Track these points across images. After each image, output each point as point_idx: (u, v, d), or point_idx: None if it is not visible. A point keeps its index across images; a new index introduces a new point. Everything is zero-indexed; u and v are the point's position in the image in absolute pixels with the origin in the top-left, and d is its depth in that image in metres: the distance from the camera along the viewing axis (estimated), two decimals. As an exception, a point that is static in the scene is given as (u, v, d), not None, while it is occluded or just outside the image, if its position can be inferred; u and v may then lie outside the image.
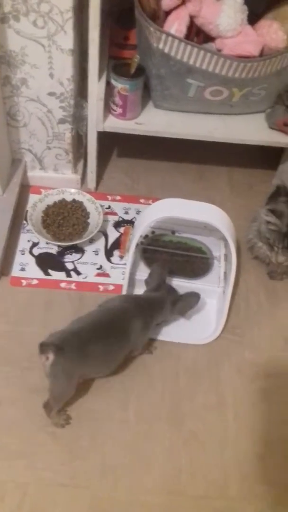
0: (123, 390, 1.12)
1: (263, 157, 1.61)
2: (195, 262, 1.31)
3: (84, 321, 1.04)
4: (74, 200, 1.39)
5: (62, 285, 1.27)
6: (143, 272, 1.28)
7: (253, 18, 1.25)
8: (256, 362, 1.20)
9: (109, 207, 1.46)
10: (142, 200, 1.49)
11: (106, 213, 1.44)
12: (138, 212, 1.45)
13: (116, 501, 0.98)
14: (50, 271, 1.29)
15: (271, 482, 1.03)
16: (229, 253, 1.17)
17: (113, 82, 1.26)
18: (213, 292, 1.27)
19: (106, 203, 1.47)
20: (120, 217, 1.44)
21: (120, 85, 1.25)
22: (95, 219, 1.36)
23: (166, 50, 1.16)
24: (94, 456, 1.02)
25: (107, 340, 1.01)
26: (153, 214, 1.15)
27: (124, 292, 1.22)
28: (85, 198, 1.39)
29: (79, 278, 1.29)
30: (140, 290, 1.27)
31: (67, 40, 1.16)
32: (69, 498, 0.97)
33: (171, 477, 1.01)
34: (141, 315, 1.07)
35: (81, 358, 0.98)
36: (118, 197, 1.50)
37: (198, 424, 1.09)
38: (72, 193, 1.40)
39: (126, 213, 1.46)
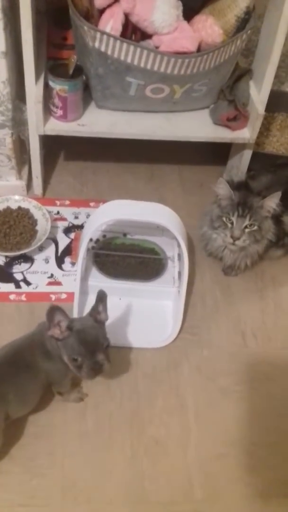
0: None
1: (213, 154, 1.61)
2: (149, 264, 1.29)
3: None
4: (19, 208, 1.35)
5: (11, 297, 1.22)
6: (96, 277, 1.25)
7: (190, 13, 1.23)
8: (215, 360, 1.19)
9: (58, 213, 1.42)
10: (92, 204, 1.46)
11: (55, 219, 1.40)
12: (88, 216, 1.41)
13: (78, 518, 0.94)
14: (-2, 283, 1.25)
15: (234, 481, 1.01)
16: (182, 252, 1.16)
17: (51, 83, 1.23)
18: (168, 293, 1.26)
19: (54, 209, 1.43)
20: (70, 222, 1.40)
21: (58, 86, 1.21)
22: (43, 226, 1.32)
23: (103, 49, 1.14)
24: (53, 473, 0.98)
25: (17, 377, 0.95)
26: (100, 217, 1.13)
27: (76, 300, 1.18)
28: (31, 205, 1.35)
29: (30, 289, 1.24)
30: (93, 296, 1.24)
31: (-1, 42, 1.11)
32: (30, 517, 0.93)
33: (134, 486, 0.99)
34: (41, 346, 0.97)
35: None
36: (67, 202, 1.46)
37: (159, 429, 1.07)
38: (17, 200, 1.35)
39: (76, 218, 1.42)
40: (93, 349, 0.90)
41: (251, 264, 1.32)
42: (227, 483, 1.01)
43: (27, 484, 0.97)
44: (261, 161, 1.48)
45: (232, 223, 1.20)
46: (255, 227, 1.20)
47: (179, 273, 1.25)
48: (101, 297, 0.97)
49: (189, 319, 1.25)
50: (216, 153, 1.59)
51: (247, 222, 1.19)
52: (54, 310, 0.90)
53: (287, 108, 1.66)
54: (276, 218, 1.25)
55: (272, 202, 1.20)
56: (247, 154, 1.45)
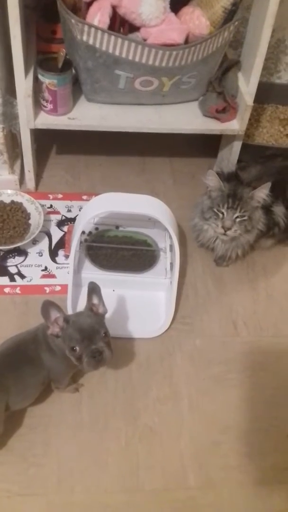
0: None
1: (204, 146, 1.61)
2: (141, 256, 1.30)
3: None
4: (12, 202, 1.36)
5: (6, 290, 1.24)
6: (89, 270, 1.26)
7: (178, 5, 1.24)
8: (207, 349, 1.21)
9: (51, 206, 1.43)
10: (84, 197, 1.47)
11: (49, 213, 1.41)
12: (81, 209, 1.42)
13: (74, 505, 0.96)
14: (-8, 277, 1.26)
15: (228, 468, 1.04)
16: (173, 243, 1.17)
17: (40, 77, 1.23)
18: (161, 284, 1.27)
19: (47, 202, 1.43)
20: (63, 215, 1.41)
21: (47, 80, 1.22)
22: (36, 219, 1.33)
23: (91, 42, 1.14)
24: (49, 463, 1.00)
25: (19, 370, 0.96)
26: (92, 210, 1.14)
27: (69, 292, 1.20)
28: (24, 199, 1.36)
29: (24, 282, 1.26)
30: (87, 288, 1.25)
31: (-13, 37, 1.12)
32: (26, 507, 0.95)
33: (129, 474, 1.01)
34: (44, 342, 0.97)
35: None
36: (60, 195, 1.46)
37: (153, 417, 1.09)
38: (9, 195, 1.36)
39: (69, 211, 1.43)
40: (89, 336, 0.90)
41: (242, 254, 1.34)
42: (221, 470, 1.03)
43: (24, 473, 0.99)
44: (251, 152, 1.49)
45: (223, 214, 1.21)
46: (246, 218, 1.21)
47: (171, 264, 1.26)
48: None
49: (181, 310, 1.26)
50: (207, 145, 1.60)
51: (237, 213, 1.21)
52: (47, 306, 0.91)
53: (276, 100, 1.67)
54: (266, 209, 1.27)
55: (262, 193, 1.21)
56: (237, 146, 1.45)
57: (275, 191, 1.24)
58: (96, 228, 1.35)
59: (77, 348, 0.90)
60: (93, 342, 0.90)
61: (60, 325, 0.92)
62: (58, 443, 1.03)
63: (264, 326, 1.27)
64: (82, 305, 1.22)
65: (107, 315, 1.22)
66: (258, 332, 1.26)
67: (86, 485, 0.98)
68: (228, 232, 1.23)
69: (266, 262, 1.41)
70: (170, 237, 1.23)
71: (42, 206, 1.36)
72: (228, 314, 1.28)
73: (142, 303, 1.25)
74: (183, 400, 1.12)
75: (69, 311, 1.19)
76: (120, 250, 1.30)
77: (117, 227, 1.36)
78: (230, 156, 1.48)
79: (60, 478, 0.99)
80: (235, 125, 1.36)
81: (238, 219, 1.21)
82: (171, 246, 1.31)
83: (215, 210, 1.22)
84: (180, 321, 1.24)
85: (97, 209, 1.13)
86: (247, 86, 1.32)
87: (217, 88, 1.31)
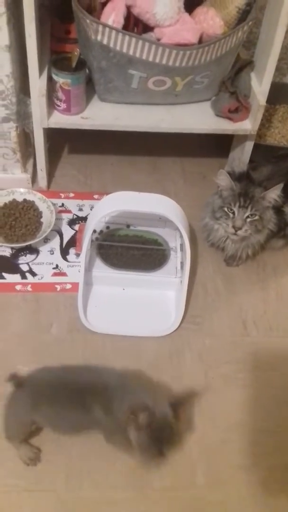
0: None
1: (215, 146, 1.62)
2: (152, 255, 1.31)
3: (55, 374, 0.98)
4: (25, 200, 1.37)
5: (18, 287, 1.25)
6: (100, 268, 1.27)
7: (192, 5, 1.24)
8: (216, 349, 1.21)
9: (62, 205, 1.44)
10: (96, 196, 1.48)
11: (60, 211, 1.42)
12: (92, 208, 1.43)
13: (83, 501, 0.97)
14: (4, 274, 1.26)
15: (236, 467, 1.04)
16: (184, 242, 1.18)
17: (54, 77, 1.24)
18: (171, 283, 1.27)
19: (59, 201, 1.44)
20: (74, 214, 1.42)
21: (61, 79, 1.23)
22: (48, 218, 1.34)
23: (105, 42, 1.15)
24: (58, 459, 1.01)
25: (63, 405, 0.94)
26: (103, 209, 1.14)
27: (80, 290, 1.20)
28: (36, 197, 1.37)
29: (35, 279, 1.27)
30: (97, 287, 1.26)
31: (2, 36, 1.13)
32: (35, 503, 0.96)
33: (138, 472, 1.01)
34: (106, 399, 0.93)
35: (32, 405, 0.94)
36: (71, 194, 1.47)
37: (162, 416, 1.09)
38: (22, 193, 1.37)
39: (80, 210, 1.44)
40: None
41: (253, 254, 1.34)
42: (228, 469, 1.03)
43: (33, 470, 0.99)
44: (263, 152, 1.49)
45: (233, 213, 1.22)
46: (257, 217, 1.21)
47: (182, 264, 1.27)
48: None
49: (191, 309, 1.27)
50: (218, 145, 1.60)
51: (248, 212, 1.21)
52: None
53: (288, 100, 1.67)
54: (277, 209, 1.27)
55: (274, 194, 1.21)
56: (249, 146, 1.46)
57: (287, 192, 1.24)
58: (107, 227, 1.36)
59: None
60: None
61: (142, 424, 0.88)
62: (67, 440, 1.03)
63: (274, 326, 1.27)
64: (92, 305, 1.23)
65: (117, 314, 1.23)
66: (268, 332, 1.25)
67: (95, 482, 0.99)
68: (239, 232, 1.23)
69: (277, 263, 1.41)
70: (181, 236, 1.24)
71: (54, 204, 1.37)
72: (238, 314, 1.28)
73: (152, 302, 1.26)
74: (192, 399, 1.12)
75: (80, 310, 1.20)
76: (131, 249, 1.30)
77: (128, 226, 1.37)
78: (241, 156, 1.48)
79: (69, 474, 0.99)
80: (248, 125, 1.36)
81: (249, 219, 1.21)
82: (182, 246, 1.31)
83: (226, 209, 1.22)
84: (190, 320, 1.25)
85: (108, 208, 1.13)
86: (260, 86, 1.32)
87: (230, 88, 1.32)
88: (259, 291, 1.34)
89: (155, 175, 1.58)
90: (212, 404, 1.12)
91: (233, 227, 1.22)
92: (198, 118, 1.35)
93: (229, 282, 1.35)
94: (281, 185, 1.19)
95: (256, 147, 1.48)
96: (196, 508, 0.98)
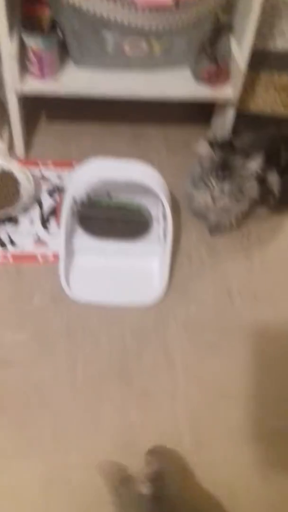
0: (70, 355, 1.10)
1: (198, 114, 1.59)
2: (134, 224, 1.29)
3: None
4: (2, 171, 1.33)
5: (-2, 258, 1.22)
6: (82, 238, 1.24)
7: None
8: (201, 317, 1.21)
9: (41, 174, 1.40)
10: (75, 165, 1.44)
11: (39, 181, 1.38)
12: (72, 178, 1.40)
13: (70, 465, 0.96)
14: (-17, 245, 1.24)
15: (223, 429, 1.04)
16: (165, 211, 1.16)
17: (25, 39, 1.20)
18: (154, 251, 1.26)
19: (38, 170, 1.41)
20: (53, 183, 1.39)
21: (32, 42, 1.19)
22: (26, 187, 1.30)
23: (76, 4, 1.10)
24: (45, 425, 1.00)
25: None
26: (81, 178, 1.12)
27: (61, 259, 1.18)
28: (14, 167, 1.33)
29: (16, 250, 1.24)
30: (80, 257, 1.24)
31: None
32: (22, 469, 0.95)
33: (124, 434, 1.01)
34: None
35: None
36: (50, 164, 1.44)
37: (148, 382, 1.09)
38: (-1, 163, 1.33)
39: (60, 179, 1.40)
40: None
41: (236, 223, 1.33)
42: (214, 432, 1.04)
43: (20, 435, 0.99)
44: (246, 121, 1.47)
45: (212, 185, 1.20)
46: (236, 189, 1.20)
47: (164, 232, 1.25)
48: None
49: (175, 278, 1.26)
50: (201, 113, 1.57)
51: (227, 184, 1.19)
52: None
53: (272, 67, 1.64)
54: (260, 177, 1.25)
55: (254, 164, 1.19)
56: (231, 114, 1.44)
57: (269, 159, 1.23)
58: (88, 196, 1.33)
59: None
60: None
61: None
62: (54, 405, 1.03)
63: (259, 293, 1.27)
64: (74, 274, 1.21)
65: (101, 283, 1.22)
66: (253, 299, 1.26)
67: (82, 445, 0.99)
68: (217, 203, 1.21)
69: (261, 232, 1.40)
70: (163, 205, 1.22)
71: (33, 174, 1.33)
72: (223, 283, 1.28)
73: (136, 271, 1.25)
74: (178, 366, 1.12)
75: (62, 279, 1.18)
76: (113, 217, 1.28)
77: (109, 194, 1.34)
78: (224, 124, 1.46)
79: (56, 439, 0.99)
80: (228, 91, 1.34)
81: (227, 191, 1.20)
82: (164, 214, 1.29)
83: (205, 180, 1.21)
84: (174, 290, 1.24)
85: (86, 176, 1.11)
86: (240, 51, 1.30)
87: (209, 51, 1.28)
88: (244, 260, 1.34)
89: (137, 144, 1.55)
90: (198, 371, 1.12)
91: (212, 198, 1.21)
92: (178, 84, 1.32)
93: (213, 251, 1.34)
94: (261, 155, 1.18)
95: (240, 116, 1.46)
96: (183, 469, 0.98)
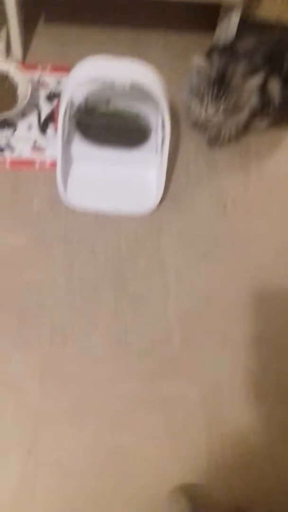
0: (66, 259, 1.14)
1: (202, 19, 1.51)
2: (132, 131, 1.27)
3: None
4: (-1, 72, 1.29)
5: (-4, 162, 1.22)
6: (79, 144, 1.24)
7: None
8: (196, 227, 1.23)
9: (40, 79, 1.36)
10: (74, 70, 1.39)
11: (37, 86, 1.35)
12: (70, 83, 1.36)
13: (66, 359, 1.03)
14: (-19, 149, 1.23)
15: (210, 332, 1.11)
16: (163, 116, 1.14)
17: None
18: (151, 160, 1.26)
19: (36, 74, 1.36)
20: (52, 88, 1.35)
21: None
22: (24, 90, 1.27)
23: None
24: (43, 323, 1.06)
25: None
26: (78, 76, 1.09)
27: (59, 163, 1.17)
28: (11, 68, 1.29)
29: (14, 154, 1.23)
30: (77, 164, 1.24)
31: None
32: (21, 361, 1.02)
33: (118, 333, 1.07)
34: None
35: None
36: (49, 67, 1.39)
37: (141, 286, 1.13)
38: (-5, 64, 1.29)
39: (59, 83, 1.36)
40: None
41: (236, 135, 1.31)
42: (204, 333, 1.10)
43: (20, 332, 1.05)
44: (250, 27, 1.40)
45: (208, 101, 1.17)
46: (232, 104, 1.17)
47: (163, 141, 1.24)
48: None
49: (172, 189, 1.27)
50: (205, 19, 1.49)
51: (222, 101, 1.16)
52: None
53: None
54: (261, 84, 1.22)
55: (255, 82, 1.15)
56: (236, 18, 1.37)
57: (271, 64, 1.19)
58: (86, 102, 1.30)
59: None
60: None
61: None
62: (51, 305, 1.08)
63: (254, 205, 1.28)
64: (72, 181, 1.22)
65: (98, 191, 1.22)
66: (248, 211, 1.27)
67: (78, 343, 1.05)
68: (212, 119, 1.19)
69: (260, 145, 1.39)
70: (162, 113, 1.20)
71: (31, 79, 1.29)
72: (219, 194, 1.29)
73: (133, 180, 1.25)
74: (170, 272, 1.16)
75: (59, 185, 1.18)
76: (111, 124, 1.26)
77: (108, 101, 1.31)
78: (228, 30, 1.39)
79: (53, 336, 1.05)
80: None
81: (222, 107, 1.17)
82: (163, 123, 1.27)
83: (200, 95, 1.18)
84: (170, 200, 1.25)
85: (83, 74, 1.08)
86: None
87: None
88: (241, 173, 1.34)
89: (138, 48, 1.48)
90: (190, 277, 1.16)
91: (206, 114, 1.18)
92: None
93: (211, 164, 1.33)
94: (261, 75, 1.14)
95: (244, 21, 1.38)
96: (171, 365, 1.06)
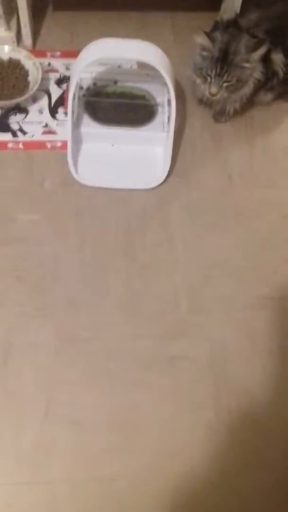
0: (79, 234, 1.20)
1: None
2: (140, 110, 1.32)
3: None
4: (10, 59, 1.35)
5: (10, 145, 1.29)
6: (88, 125, 1.29)
7: None
8: (203, 200, 1.28)
9: (49, 64, 1.42)
10: (83, 54, 1.45)
11: (47, 71, 1.40)
12: (79, 67, 1.41)
13: (79, 325, 1.10)
14: (-5, 133, 1.30)
15: (217, 298, 1.15)
16: (170, 94, 1.18)
17: None
18: (158, 138, 1.30)
19: (45, 61, 1.42)
20: (61, 73, 1.41)
21: None
22: (34, 76, 1.33)
23: None
24: (58, 291, 1.13)
25: None
26: (86, 57, 1.14)
27: (69, 143, 1.23)
28: (21, 55, 1.35)
29: (26, 138, 1.30)
30: (87, 144, 1.30)
31: None
32: (38, 326, 1.09)
33: (128, 301, 1.13)
34: None
35: None
36: (58, 53, 1.45)
37: (150, 257, 1.19)
38: (6, 52, 1.35)
39: (68, 69, 1.42)
40: None
41: (241, 109, 1.34)
42: (211, 299, 1.15)
43: (38, 301, 1.12)
44: (254, 3, 1.42)
45: (211, 78, 1.20)
46: (234, 81, 1.20)
47: (169, 118, 1.28)
48: None
49: (178, 164, 1.31)
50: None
51: (224, 78, 1.19)
52: None
53: None
54: (265, 57, 1.24)
55: (255, 57, 1.18)
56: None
57: (274, 37, 1.21)
58: (94, 83, 1.35)
59: None
60: None
61: None
62: (65, 276, 1.15)
63: (259, 177, 1.32)
64: (82, 161, 1.28)
65: (107, 168, 1.27)
66: (253, 183, 1.31)
67: (90, 309, 1.12)
68: (215, 97, 1.23)
69: (265, 119, 1.41)
70: (168, 92, 1.24)
71: (41, 63, 1.35)
72: (224, 168, 1.33)
73: (141, 156, 1.30)
74: (178, 243, 1.21)
75: (70, 164, 1.24)
76: (119, 104, 1.31)
77: (115, 82, 1.36)
78: (232, 7, 1.42)
79: (68, 303, 1.12)
80: None
81: (225, 84, 1.20)
82: (169, 101, 1.31)
83: (204, 72, 1.21)
84: (177, 174, 1.30)
85: (91, 55, 1.13)
86: None
87: None
88: (246, 147, 1.37)
89: (145, 31, 1.52)
90: (197, 247, 1.21)
91: (209, 92, 1.22)
92: None
93: (217, 138, 1.37)
94: (264, 47, 1.17)
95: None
96: (179, 328, 1.11)
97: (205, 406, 1.04)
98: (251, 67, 1.22)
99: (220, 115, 1.37)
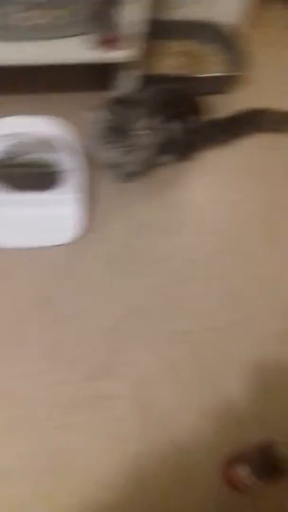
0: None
1: (101, 79, 1.68)
2: (50, 176, 1.42)
3: None
4: None
5: None
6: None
7: None
8: (113, 250, 1.39)
9: None
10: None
11: None
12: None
13: None
14: None
15: (134, 337, 1.23)
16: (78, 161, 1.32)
17: None
18: (67, 199, 1.41)
19: None
20: None
21: None
22: None
23: None
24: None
25: None
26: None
27: None
28: None
29: None
30: None
31: None
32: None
33: (48, 349, 1.19)
34: None
35: None
36: None
37: (67, 306, 1.27)
38: None
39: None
40: None
41: (144, 171, 1.51)
42: (128, 338, 1.23)
43: None
44: (149, 80, 1.61)
45: (109, 146, 1.37)
46: (130, 148, 1.36)
47: (79, 181, 1.41)
48: None
49: (89, 220, 1.42)
50: (105, 78, 1.69)
51: (121, 145, 1.35)
52: None
53: (167, 35, 1.80)
54: (162, 124, 1.42)
55: (140, 124, 1.35)
56: (133, 76, 1.58)
57: (167, 110, 1.42)
58: (6, 156, 1.46)
59: None
60: None
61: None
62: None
63: (164, 227, 1.46)
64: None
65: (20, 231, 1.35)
66: (159, 232, 1.44)
67: (8, 356, 1.17)
68: (116, 161, 1.39)
69: (167, 176, 1.56)
70: (75, 159, 1.38)
71: None
72: (134, 220, 1.45)
73: (53, 217, 1.39)
74: (94, 291, 1.30)
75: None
76: (30, 172, 1.41)
77: (26, 153, 1.47)
78: (127, 84, 1.61)
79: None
80: (125, 54, 1.46)
81: (122, 151, 1.37)
82: (77, 167, 1.45)
83: (102, 142, 1.37)
84: (89, 229, 1.41)
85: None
86: (134, 17, 1.41)
87: (104, 19, 1.43)
88: (152, 200, 1.51)
89: (47, 111, 1.66)
90: (114, 293, 1.31)
91: (107, 158, 1.39)
92: (73, 49, 1.43)
93: (125, 195, 1.51)
94: (144, 118, 1.35)
95: (143, 76, 1.60)
96: (101, 369, 1.17)
97: (132, 438, 1.08)
98: (147, 134, 1.40)
99: (126, 176, 1.53)
